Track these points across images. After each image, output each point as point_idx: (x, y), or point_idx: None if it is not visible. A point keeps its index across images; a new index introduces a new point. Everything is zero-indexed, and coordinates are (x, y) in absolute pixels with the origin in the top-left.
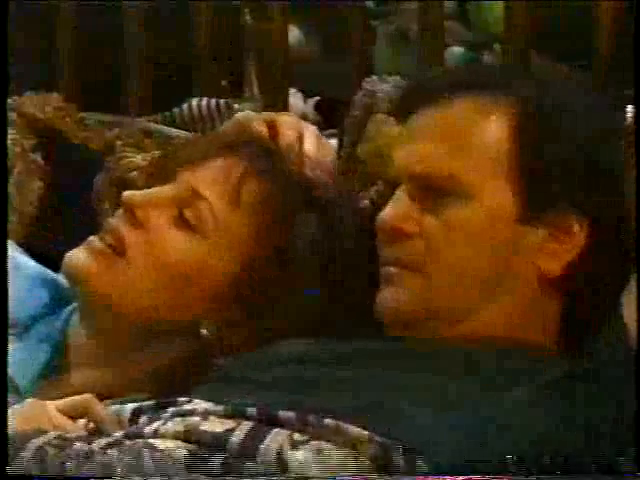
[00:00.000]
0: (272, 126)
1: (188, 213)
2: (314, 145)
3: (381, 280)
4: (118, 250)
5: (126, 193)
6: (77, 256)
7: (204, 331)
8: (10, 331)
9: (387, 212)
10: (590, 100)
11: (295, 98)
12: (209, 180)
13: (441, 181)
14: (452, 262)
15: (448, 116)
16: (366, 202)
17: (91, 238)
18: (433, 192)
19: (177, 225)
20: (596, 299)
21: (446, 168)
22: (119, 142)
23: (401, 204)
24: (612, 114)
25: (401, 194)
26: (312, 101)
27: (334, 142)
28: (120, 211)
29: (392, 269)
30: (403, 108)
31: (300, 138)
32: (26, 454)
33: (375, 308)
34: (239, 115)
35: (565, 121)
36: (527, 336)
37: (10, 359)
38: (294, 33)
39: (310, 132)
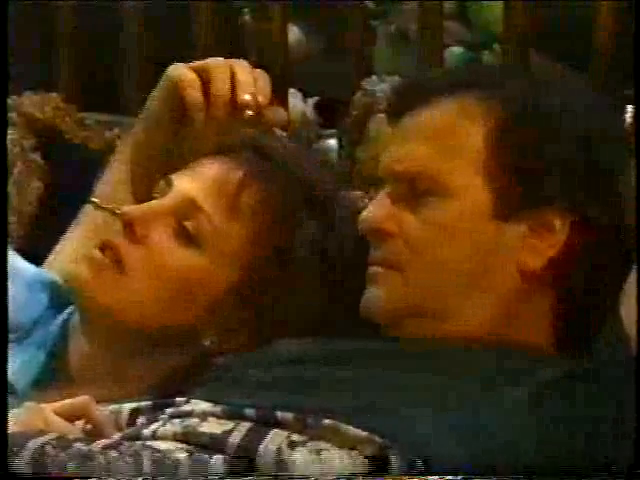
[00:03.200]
0: (203, 72)
1: (187, 225)
2: (247, 73)
3: (367, 280)
4: (118, 266)
5: (125, 209)
6: (77, 269)
7: (207, 342)
8: (11, 336)
9: (367, 212)
10: (581, 100)
11: (295, 98)
12: (207, 190)
13: (421, 180)
14: (432, 261)
15: (432, 116)
16: (366, 202)
17: (89, 252)
18: (415, 192)
19: (176, 238)
20: (594, 299)
21: (425, 167)
22: (119, 142)
23: (381, 204)
24: (601, 114)
25: (383, 194)
26: (312, 101)
27: (334, 142)
28: (118, 225)
29: (375, 269)
30: (397, 108)
31: (232, 70)
32: (26, 454)
33: (360, 308)
34: (168, 71)
35: (547, 120)
36: (520, 335)
37: (10, 363)
38: (294, 33)
39: (240, 64)
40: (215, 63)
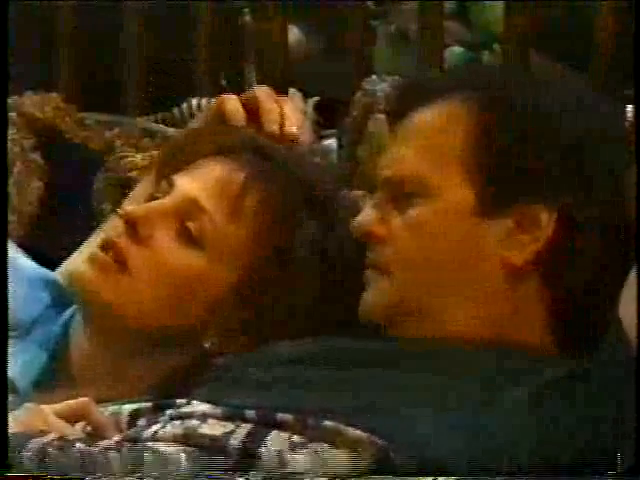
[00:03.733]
0: (251, 108)
1: (190, 226)
2: (293, 109)
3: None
4: (120, 265)
5: (128, 209)
6: (78, 268)
7: (207, 343)
8: (11, 334)
9: (360, 216)
10: (569, 99)
11: (295, 98)
12: (210, 190)
13: (408, 183)
14: (416, 261)
15: (424, 119)
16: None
17: (93, 252)
18: (403, 194)
19: (179, 238)
20: (593, 299)
21: (412, 171)
22: (119, 142)
23: (372, 208)
24: (594, 113)
25: (375, 198)
26: (312, 101)
27: (334, 142)
28: (121, 225)
29: (368, 271)
30: (398, 109)
31: (282, 115)
32: (26, 454)
33: (358, 311)
34: (217, 100)
35: (530, 119)
36: (516, 334)
37: (11, 361)
38: (294, 33)
39: (288, 106)
40: (264, 93)
